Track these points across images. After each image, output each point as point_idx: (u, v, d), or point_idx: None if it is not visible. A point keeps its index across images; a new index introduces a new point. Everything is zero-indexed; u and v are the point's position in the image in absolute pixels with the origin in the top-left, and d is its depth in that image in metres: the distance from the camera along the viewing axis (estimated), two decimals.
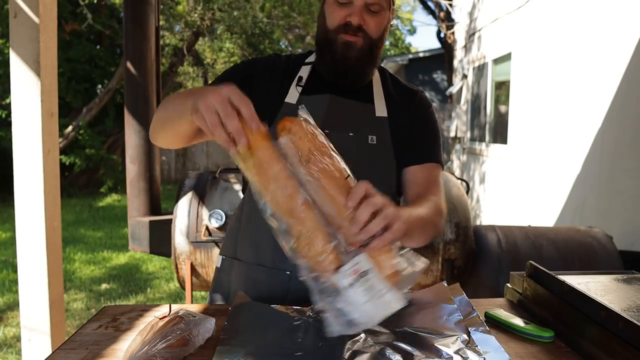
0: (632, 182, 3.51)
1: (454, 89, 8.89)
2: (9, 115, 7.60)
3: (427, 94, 1.31)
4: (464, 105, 8.24)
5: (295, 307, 0.99)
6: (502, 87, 6.66)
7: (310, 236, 0.77)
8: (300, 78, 1.19)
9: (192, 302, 2.68)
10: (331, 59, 1.14)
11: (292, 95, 1.18)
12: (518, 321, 0.94)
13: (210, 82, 1.26)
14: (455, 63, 9.08)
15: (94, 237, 6.05)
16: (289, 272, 1.10)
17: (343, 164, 0.85)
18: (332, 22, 1.13)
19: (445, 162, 10.86)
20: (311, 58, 1.24)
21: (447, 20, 10.37)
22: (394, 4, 1.19)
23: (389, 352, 0.81)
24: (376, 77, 1.23)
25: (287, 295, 1.11)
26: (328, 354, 0.81)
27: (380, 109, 1.19)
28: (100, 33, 9.89)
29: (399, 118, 1.20)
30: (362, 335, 0.87)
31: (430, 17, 14.77)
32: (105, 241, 5.87)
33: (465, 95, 8.15)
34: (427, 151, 1.22)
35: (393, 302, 0.78)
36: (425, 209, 1.06)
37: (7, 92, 7.74)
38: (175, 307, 1.05)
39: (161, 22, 9.28)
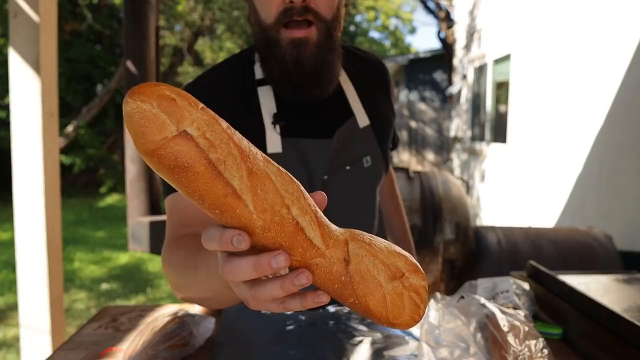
0: (633, 182, 3.50)
1: (454, 89, 8.89)
2: (9, 115, 7.59)
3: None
4: (464, 105, 8.24)
5: (287, 313, 0.98)
6: (502, 87, 6.66)
7: None
8: (276, 116, 0.88)
9: None
10: (281, 70, 0.85)
11: (273, 140, 0.87)
12: None
13: None
14: (456, 62, 9.08)
15: (94, 237, 6.05)
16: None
17: None
18: (267, 12, 0.84)
19: (445, 162, 10.86)
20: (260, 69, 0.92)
21: (447, 20, 10.37)
22: None
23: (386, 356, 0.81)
24: None
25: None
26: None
27: (361, 116, 0.96)
28: (100, 33, 9.89)
29: (375, 112, 1.00)
30: (359, 337, 0.87)
31: (430, 17, 14.78)
32: (105, 241, 5.87)
33: (466, 95, 8.15)
34: (394, 138, 1.11)
35: None
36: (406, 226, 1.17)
37: (7, 92, 7.73)
38: (175, 307, 1.06)
39: (161, 22, 9.25)
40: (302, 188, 0.47)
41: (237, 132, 0.46)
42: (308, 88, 0.88)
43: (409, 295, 0.48)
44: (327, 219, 0.48)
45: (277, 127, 0.88)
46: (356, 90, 0.98)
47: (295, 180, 0.47)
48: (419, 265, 0.50)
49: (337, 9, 0.88)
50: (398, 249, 0.50)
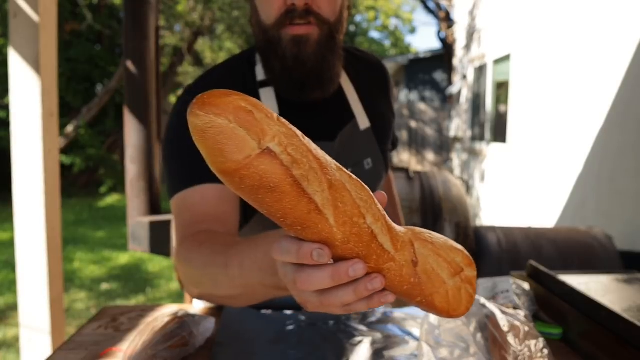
0: (634, 182, 3.50)
1: (454, 89, 8.90)
2: (9, 115, 7.62)
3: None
4: (464, 105, 8.24)
5: (286, 313, 0.98)
6: (502, 87, 6.66)
7: None
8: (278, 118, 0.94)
9: (192, 302, 2.68)
10: (282, 67, 0.85)
11: None
12: None
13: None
14: (456, 62, 9.08)
15: (95, 237, 6.05)
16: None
17: None
18: (268, 14, 0.83)
19: (445, 162, 10.86)
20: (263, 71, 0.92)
21: (447, 20, 10.38)
22: None
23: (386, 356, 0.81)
24: None
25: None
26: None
27: (362, 118, 0.96)
28: (100, 33, 9.89)
29: (375, 114, 1.00)
30: (359, 337, 0.87)
31: (430, 17, 14.80)
32: (105, 241, 5.87)
33: (466, 95, 8.15)
34: (394, 138, 1.11)
35: None
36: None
37: (7, 92, 7.73)
38: (175, 307, 1.06)
39: (161, 22, 9.24)
40: (371, 193, 0.46)
41: (310, 140, 0.43)
42: (309, 86, 0.87)
43: (465, 287, 0.49)
44: (391, 220, 0.48)
45: None
46: (356, 92, 0.98)
47: (364, 185, 0.46)
48: (472, 258, 0.51)
49: (340, 12, 0.87)
50: (454, 243, 0.50)
